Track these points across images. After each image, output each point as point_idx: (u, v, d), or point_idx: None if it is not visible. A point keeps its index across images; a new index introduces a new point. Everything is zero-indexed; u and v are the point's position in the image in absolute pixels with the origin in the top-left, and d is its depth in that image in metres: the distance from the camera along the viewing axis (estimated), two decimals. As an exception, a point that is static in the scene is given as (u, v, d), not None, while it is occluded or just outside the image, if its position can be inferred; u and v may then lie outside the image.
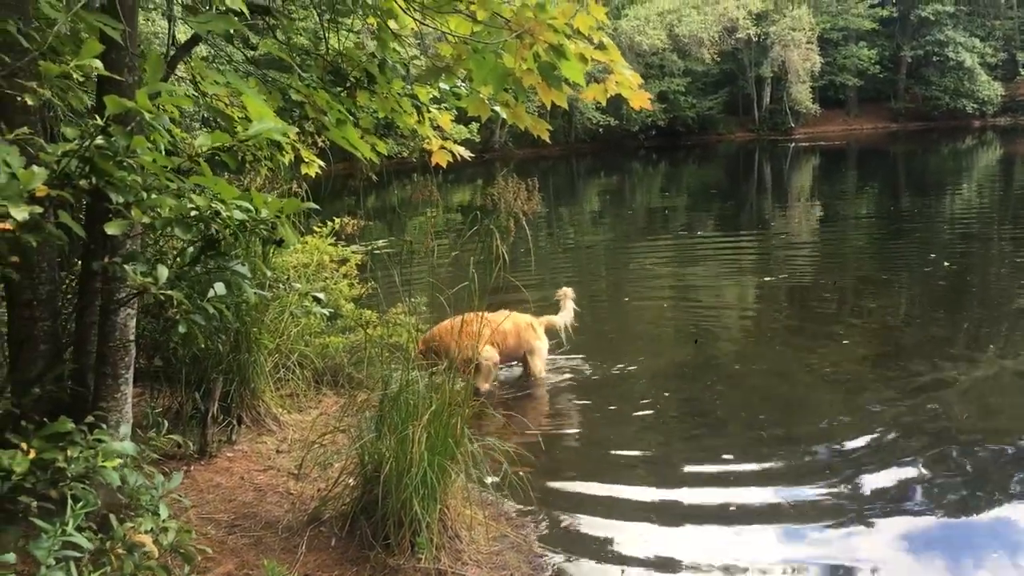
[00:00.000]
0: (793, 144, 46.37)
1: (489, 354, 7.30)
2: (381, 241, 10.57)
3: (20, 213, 1.86)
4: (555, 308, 8.34)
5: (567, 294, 8.32)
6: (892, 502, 5.39)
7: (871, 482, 5.64)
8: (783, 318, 10.63)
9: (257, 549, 4.41)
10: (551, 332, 8.17)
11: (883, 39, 54.69)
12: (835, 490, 5.55)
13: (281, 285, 6.32)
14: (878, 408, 6.95)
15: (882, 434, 6.41)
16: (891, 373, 7.87)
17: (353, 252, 8.12)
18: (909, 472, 5.79)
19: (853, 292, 11.76)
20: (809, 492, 5.53)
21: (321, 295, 5.68)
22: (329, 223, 8.05)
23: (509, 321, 7.52)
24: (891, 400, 7.13)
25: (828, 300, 11.31)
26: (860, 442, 6.27)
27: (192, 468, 5.31)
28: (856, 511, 5.26)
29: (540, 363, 7.92)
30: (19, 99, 2.33)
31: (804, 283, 12.39)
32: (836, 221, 20.09)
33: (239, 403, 6.06)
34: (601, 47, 4.35)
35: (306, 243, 7.46)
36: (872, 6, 52.15)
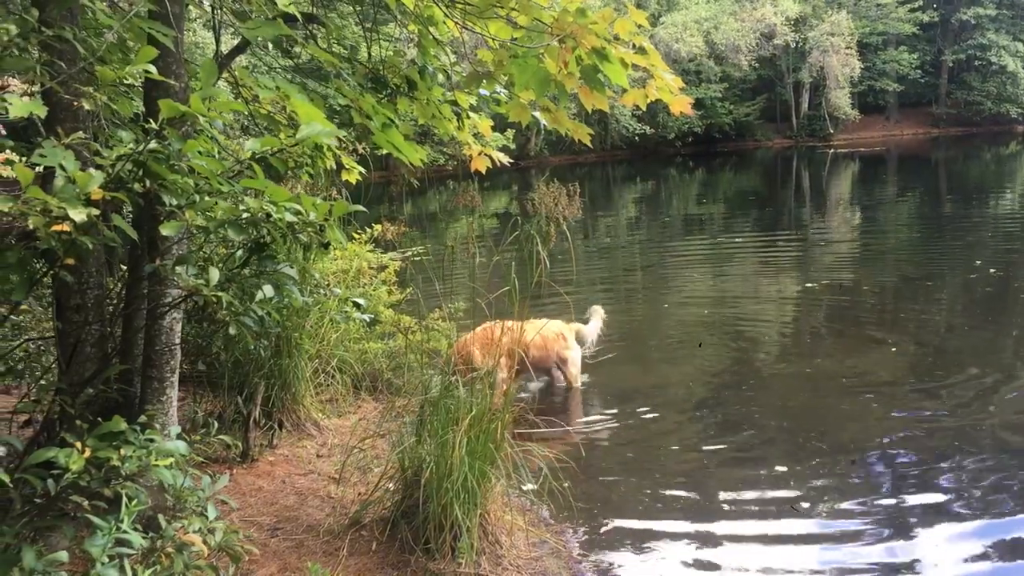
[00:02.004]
0: (832, 150, 45.86)
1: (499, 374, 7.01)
2: (418, 248, 10.60)
3: (78, 215, 1.90)
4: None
5: (597, 312, 8.30)
6: (936, 515, 5.28)
7: (914, 495, 5.53)
8: (823, 324, 10.51)
9: (299, 552, 4.44)
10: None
11: (924, 43, 53.99)
12: (876, 502, 5.45)
13: (322, 290, 6.37)
14: (921, 418, 6.83)
15: (925, 445, 6.30)
16: (935, 382, 7.74)
17: (391, 259, 8.17)
18: (953, 485, 5.68)
19: (895, 298, 11.59)
20: (849, 503, 5.44)
21: (361, 301, 5.70)
22: (368, 229, 8.11)
23: (535, 332, 7.39)
24: (935, 410, 7.00)
25: (870, 306, 11.16)
26: (902, 452, 6.16)
27: (234, 471, 5.36)
28: (898, 524, 5.17)
29: (574, 371, 7.84)
30: (75, 104, 2.38)
31: (844, 289, 12.23)
32: (876, 227, 19.84)
33: (280, 407, 6.13)
34: (641, 51, 4.33)
35: (346, 249, 7.51)
36: (912, 10, 51.48)
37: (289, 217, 2.28)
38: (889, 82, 52.97)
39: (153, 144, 2.17)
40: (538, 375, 7.91)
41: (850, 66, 47.97)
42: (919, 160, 41.00)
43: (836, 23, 47.81)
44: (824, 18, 48.57)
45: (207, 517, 2.86)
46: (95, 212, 1.97)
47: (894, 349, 8.90)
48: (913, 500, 5.47)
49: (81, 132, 2.38)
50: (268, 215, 2.25)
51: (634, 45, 4.29)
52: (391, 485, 4.80)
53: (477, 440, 4.51)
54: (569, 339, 7.84)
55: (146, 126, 2.20)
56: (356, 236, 8.02)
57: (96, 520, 2.34)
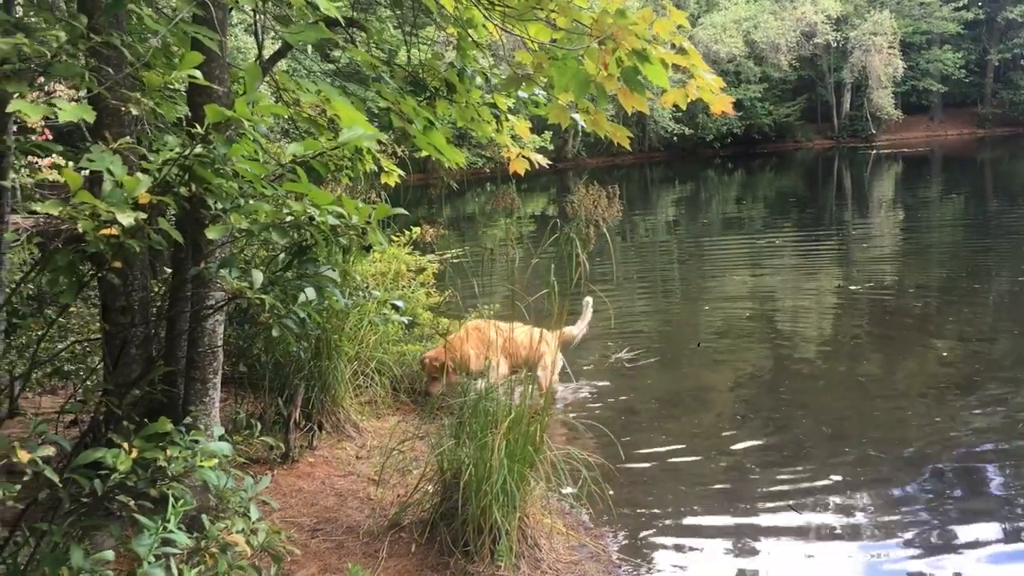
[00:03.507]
0: (874, 151, 45.18)
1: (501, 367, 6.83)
2: (455, 250, 10.63)
3: (127, 219, 1.92)
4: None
5: (587, 305, 7.92)
6: (981, 522, 5.16)
7: (959, 503, 5.43)
8: (866, 326, 10.36)
9: (339, 553, 4.47)
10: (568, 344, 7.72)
11: (968, 42, 53.04)
12: (920, 508, 5.35)
13: (361, 293, 6.41)
14: (965, 424, 6.69)
15: (969, 451, 6.17)
16: (979, 388, 7.57)
17: (429, 261, 8.20)
18: (997, 493, 5.56)
19: (939, 302, 11.38)
20: (891, 511, 5.34)
21: (400, 303, 5.72)
22: (407, 232, 8.15)
23: (524, 333, 6.98)
24: (979, 416, 6.85)
25: (913, 310, 10.97)
26: (946, 458, 6.05)
27: (275, 472, 5.41)
28: (939, 532, 5.07)
29: (546, 375, 7.15)
30: (123, 109, 2.42)
31: (887, 292, 12.03)
32: (920, 228, 19.50)
33: (320, 409, 6.18)
34: (681, 52, 4.30)
35: (386, 251, 7.55)
36: (957, 9, 50.60)
37: (332, 220, 2.30)
38: (933, 82, 52.11)
39: (199, 148, 2.19)
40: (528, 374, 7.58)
41: (893, 66, 47.28)
42: (964, 161, 40.26)
43: (878, 22, 47.15)
44: (866, 17, 47.92)
45: (250, 518, 2.89)
46: (142, 216, 2.00)
47: (939, 352, 8.73)
48: (958, 507, 5.36)
49: (128, 137, 2.42)
50: (311, 218, 2.27)
51: (673, 45, 4.26)
52: (430, 487, 4.81)
53: (516, 443, 4.51)
54: (551, 342, 7.21)
55: (192, 131, 2.22)
56: (395, 239, 8.06)
57: (143, 520, 2.38)
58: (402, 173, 6.24)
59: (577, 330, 7.82)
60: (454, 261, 8.95)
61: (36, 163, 8.10)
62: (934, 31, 51.70)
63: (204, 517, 2.85)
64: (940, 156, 42.94)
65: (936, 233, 18.49)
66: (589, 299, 7.87)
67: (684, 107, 4.66)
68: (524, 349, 7.07)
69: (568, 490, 4.90)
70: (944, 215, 21.52)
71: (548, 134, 32.66)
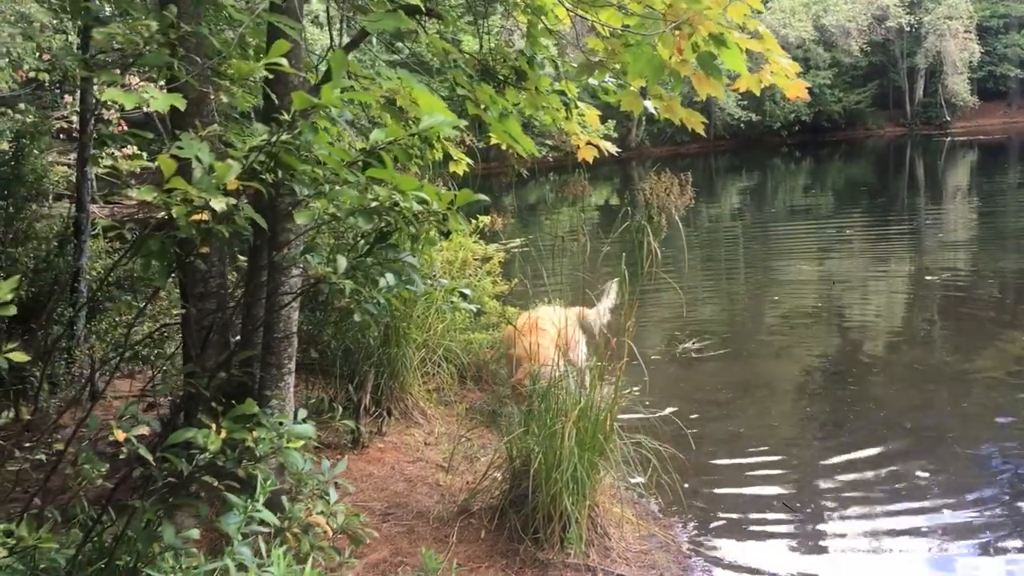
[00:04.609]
0: (949, 138, 43.80)
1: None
2: (519, 240, 10.63)
3: (219, 204, 1.97)
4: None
5: (610, 288, 7.04)
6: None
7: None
8: (938, 316, 10.09)
9: (410, 537, 4.52)
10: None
11: (1049, 26, 51.01)
12: (992, 504, 5.19)
13: (429, 281, 6.46)
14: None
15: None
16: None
17: (496, 250, 8.22)
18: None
19: (1015, 296, 10.99)
20: (966, 510, 5.18)
21: (468, 291, 5.74)
22: (474, 221, 8.17)
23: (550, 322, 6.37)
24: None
25: (991, 300, 10.62)
26: (1017, 454, 5.84)
27: (346, 457, 5.49)
28: (1016, 532, 4.91)
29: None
30: (211, 97, 2.47)
31: (961, 284, 11.67)
32: (997, 217, 18.86)
33: (389, 395, 6.25)
34: (756, 36, 4.22)
35: (468, 236, 7.60)
36: (1037, -9, 48.74)
37: (416, 206, 2.32)
38: (1011, 67, 50.19)
39: (284, 136, 2.23)
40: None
41: (969, 50, 45.72)
42: (1043, 148, 38.84)
43: (954, 6, 45.60)
44: (941, 1, 46.42)
45: (328, 500, 2.94)
46: (233, 202, 2.05)
47: (1013, 346, 8.44)
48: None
49: (216, 125, 2.48)
50: (395, 204, 2.29)
51: (743, 28, 4.19)
52: (499, 475, 4.84)
53: (586, 431, 4.50)
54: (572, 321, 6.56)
55: (279, 118, 2.26)
56: (462, 231, 8.09)
57: (233, 499, 2.44)
58: (470, 162, 6.26)
59: (595, 315, 7.03)
60: (521, 250, 8.95)
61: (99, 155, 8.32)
62: (1012, 15, 49.80)
63: (284, 499, 2.91)
64: (1018, 144, 41.41)
65: (1013, 222, 17.85)
66: (613, 282, 6.95)
67: (758, 92, 4.58)
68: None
69: (638, 480, 4.88)
70: (1022, 205, 20.78)
71: (611, 123, 32.39)
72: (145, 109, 3.22)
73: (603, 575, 4.21)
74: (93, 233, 6.50)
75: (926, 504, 5.30)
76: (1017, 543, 4.79)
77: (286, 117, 2.24)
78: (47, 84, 10.21)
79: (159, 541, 2.34)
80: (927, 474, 5.68)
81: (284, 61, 2.33)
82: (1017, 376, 7.54)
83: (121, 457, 2.37)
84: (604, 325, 6.88)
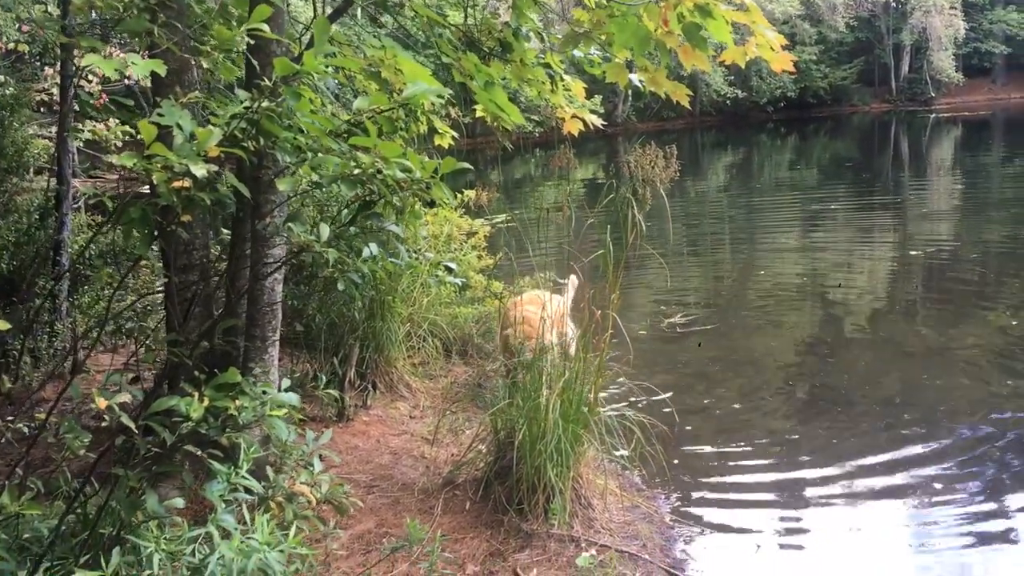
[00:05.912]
0: (933, 115, 43.93)
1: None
2: (504, 215, 10.61)
3: (200, 170, 1.95)
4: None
5: (572, 283, 6.38)
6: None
7: (1014, 472, 5.32)
8: (922, 293, 10.17)
9: (395, 509, 4.54)
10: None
11: (1035, 1, 51.11)
12: (974, 480, 5.23)
13: (414, 254, 6.45)
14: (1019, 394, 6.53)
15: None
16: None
17: (481, 224, 8.20)
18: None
19: (999, 267, 11.09)
20: (941, 476, 5.24)
21: (453, 265, 5.74)
22: (459, 195, 8.14)
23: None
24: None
25: (972, 275, 10.70)
26: (1001, 429, 5.90)
27: (331, 430, 5.50)
28: (990, 494, 5.00)
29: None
30: (194, 63, 2.44)
31: (945, 259, 11.76)
32: (979, 193, 18.98)
33: (374, 369, 6.25)
34: (742, 8, 4.20)
35: (436, 214, 7.57)
36: (1024, -34, 48.76)
37: (399, 174, 2.30)
38: (996, 43, 50.34)
39: (266, 103, 2.21)
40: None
41: (954, 27, 45.85)
42: (1027, 125, 39.01)
43: (940, -19, 45.65)
44: (927, -24, 46.40)
45: (312, 471, 2.95)
46: (214, 168, 2.03)
47: (999, 319, 8.52)
48: (1013, 475, 5.26)
49: (198, 92, 2.45)
50: (379, 171, 2.28)
51: (731, 1, 4.17)
52: (483, 447, 4.85)
53: (570, 403, 4.51)
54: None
55: (260, 84, 2.24)
56: (446, 202, 8.05)
57: (217, 466, 2.44)
58: (455, 135, 6.22)
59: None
60: (506, 224, 8.95)
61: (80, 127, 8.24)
62: (998, -9, 49.94)
63: (268, 468, 2.91)
64: (1002, 120, 41.60)
65: (996, 199, 17.95)
66: (573, 277, 6.26)
67: (744, 65, 4.56)
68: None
69: (621, 452, 4.91)
70: (1005, 181, 20.89)
71: (597, 98, 32.28)
72: (126, 81, 3.18)
73: (586, 545, 4.24)
74: (75, 206, 6.44)
75: (905, 472, 5.36)
76: (992, 507, 4.85)
77: (268, 83, 2.22)
78: (27, 56, 10.08)
79: (142, 510, 2.35)
80: (906, 444, 5.73)
81: (265, 27, 2.31)
82: (1001, 347, 7.63)
83: (104, 425, 2.36)
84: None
